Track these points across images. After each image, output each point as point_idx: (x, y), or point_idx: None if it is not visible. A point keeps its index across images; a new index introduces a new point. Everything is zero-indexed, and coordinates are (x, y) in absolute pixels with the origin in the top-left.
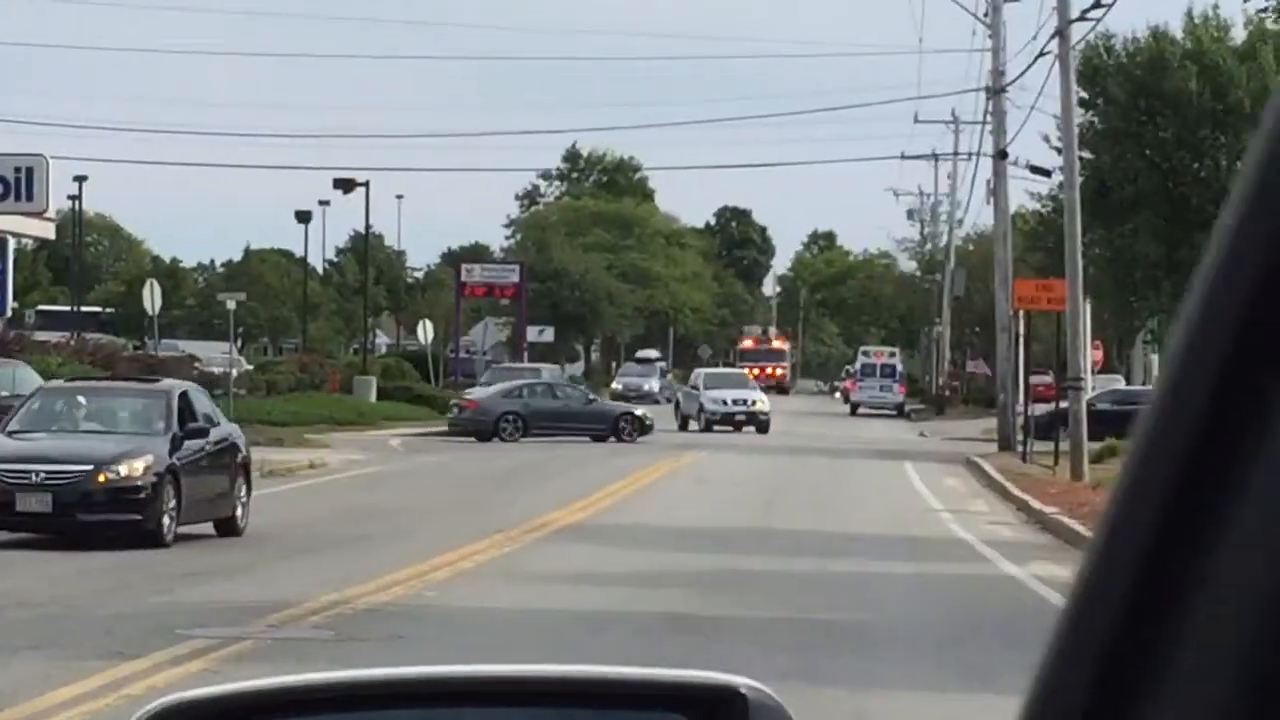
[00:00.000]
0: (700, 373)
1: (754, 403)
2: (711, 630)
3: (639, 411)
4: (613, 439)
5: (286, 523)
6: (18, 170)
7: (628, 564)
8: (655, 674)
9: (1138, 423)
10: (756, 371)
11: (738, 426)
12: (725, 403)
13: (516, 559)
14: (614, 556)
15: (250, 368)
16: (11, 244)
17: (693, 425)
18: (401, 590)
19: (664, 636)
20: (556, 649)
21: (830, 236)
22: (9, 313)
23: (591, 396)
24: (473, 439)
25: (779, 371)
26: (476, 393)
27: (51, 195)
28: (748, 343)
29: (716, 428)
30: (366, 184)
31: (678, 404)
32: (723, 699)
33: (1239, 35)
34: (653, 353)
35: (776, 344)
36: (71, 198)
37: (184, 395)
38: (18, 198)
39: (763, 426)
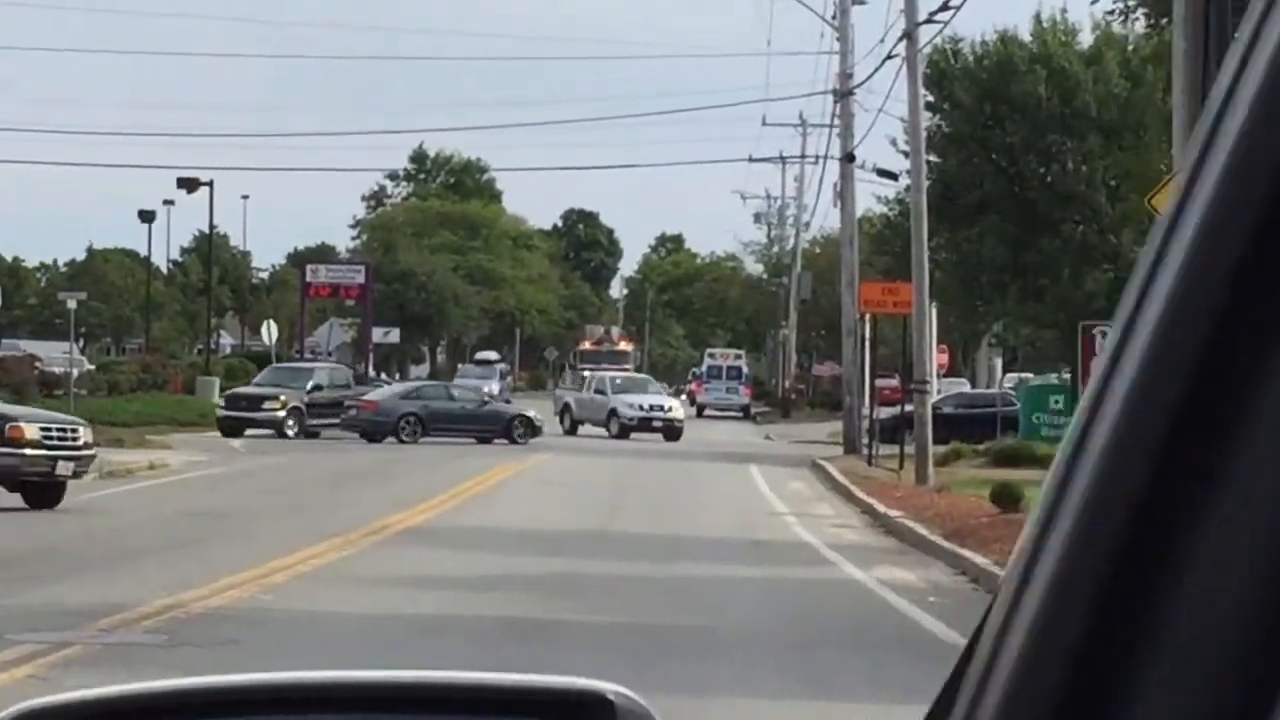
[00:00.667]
0: (604, 377)
1: (669, 409)
2: (549, 635)
3: (531, 414)
4: (504, 440)
5: (122, 525)
6: None
7: (467, 567)
8: (518, 679)
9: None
10: None
11: (630, 434)
12: (642, 408)
13: (354, 562)
14: (453, 560)
15: (92, 368)
16: None
17: (589, 429)
18: (238, 594)
19: (501, 641)
20: (392, 654)
21: (678, 239)
22: None
23: (486, 399)
24: (363, 439)
25: None
26: (375, 394)
27: None
28: (587, 344)
29: (634, 434)
30: (211, 183)
31: (567, 407)
32: (587, 704)
33: (1086, 39)
34: (492, 354)
35: (621, 345)
36: None
37: None
38: None
39: (675, 434)
